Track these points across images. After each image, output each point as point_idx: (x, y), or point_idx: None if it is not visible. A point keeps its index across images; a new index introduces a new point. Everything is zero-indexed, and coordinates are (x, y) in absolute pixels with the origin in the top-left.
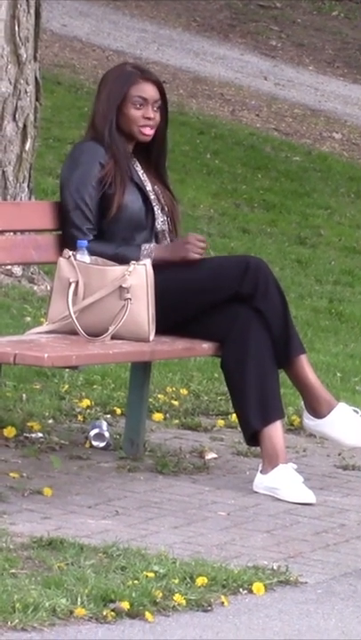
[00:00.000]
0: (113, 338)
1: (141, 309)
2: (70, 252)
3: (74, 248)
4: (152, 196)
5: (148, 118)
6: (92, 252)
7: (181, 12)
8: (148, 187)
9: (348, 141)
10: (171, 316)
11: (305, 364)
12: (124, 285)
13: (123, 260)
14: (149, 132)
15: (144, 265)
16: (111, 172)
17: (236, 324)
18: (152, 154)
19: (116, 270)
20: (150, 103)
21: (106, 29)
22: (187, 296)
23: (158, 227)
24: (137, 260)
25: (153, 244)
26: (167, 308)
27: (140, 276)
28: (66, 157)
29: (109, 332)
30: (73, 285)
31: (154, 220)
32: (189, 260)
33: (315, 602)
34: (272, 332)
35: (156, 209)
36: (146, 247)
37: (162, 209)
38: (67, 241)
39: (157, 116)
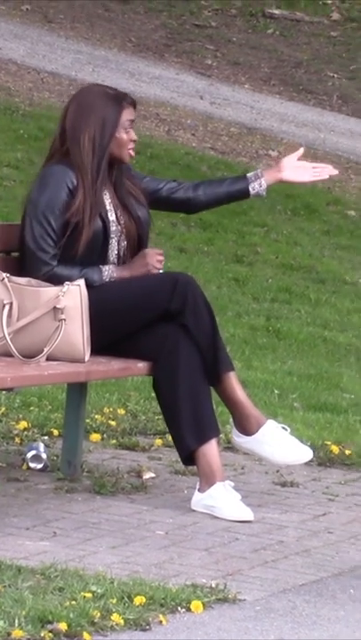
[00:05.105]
0: (48, 359)
1: (76, 330)
2: (4, 274)
3: (39, 272)
4: (113, 227)
5: (134, 141)
6: (58, 277)
7: (116, 33)
8: (112, 217)
9: None
10: (105, 336)
11: (233, 381)
12: (58, 306)
13: (87, 282)
14: (133, 153)
15: (78, 285)
16: (81, 204)
17: (165, 343)
18: (113, 172)
19: (50, 291)
20: (132, 125)
21: (41, 51)
22: (119, 315)
23: (111, 258)
24: (101, 281)
25: (113, 266)
26: (101, 327)
27: (74, 296)
28: (35, 179)
29: (44, 352)
30: (7, 307)
31: (107, 249)
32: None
33: (253, 619)
34: (200, 348)
35: (112, 241)
36: (106, 268)
37: (120, 236)
38: (32, 264)
39: None
